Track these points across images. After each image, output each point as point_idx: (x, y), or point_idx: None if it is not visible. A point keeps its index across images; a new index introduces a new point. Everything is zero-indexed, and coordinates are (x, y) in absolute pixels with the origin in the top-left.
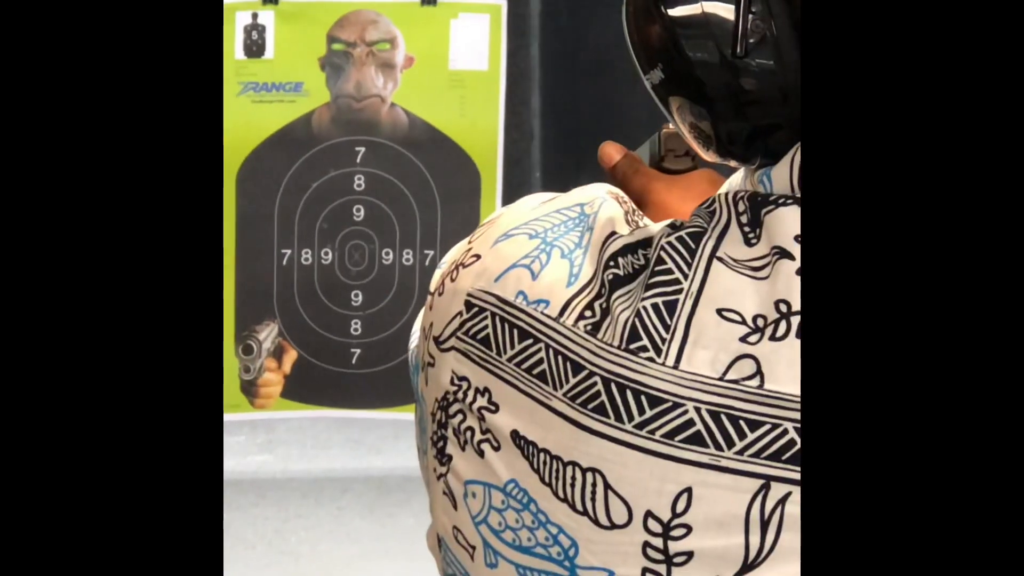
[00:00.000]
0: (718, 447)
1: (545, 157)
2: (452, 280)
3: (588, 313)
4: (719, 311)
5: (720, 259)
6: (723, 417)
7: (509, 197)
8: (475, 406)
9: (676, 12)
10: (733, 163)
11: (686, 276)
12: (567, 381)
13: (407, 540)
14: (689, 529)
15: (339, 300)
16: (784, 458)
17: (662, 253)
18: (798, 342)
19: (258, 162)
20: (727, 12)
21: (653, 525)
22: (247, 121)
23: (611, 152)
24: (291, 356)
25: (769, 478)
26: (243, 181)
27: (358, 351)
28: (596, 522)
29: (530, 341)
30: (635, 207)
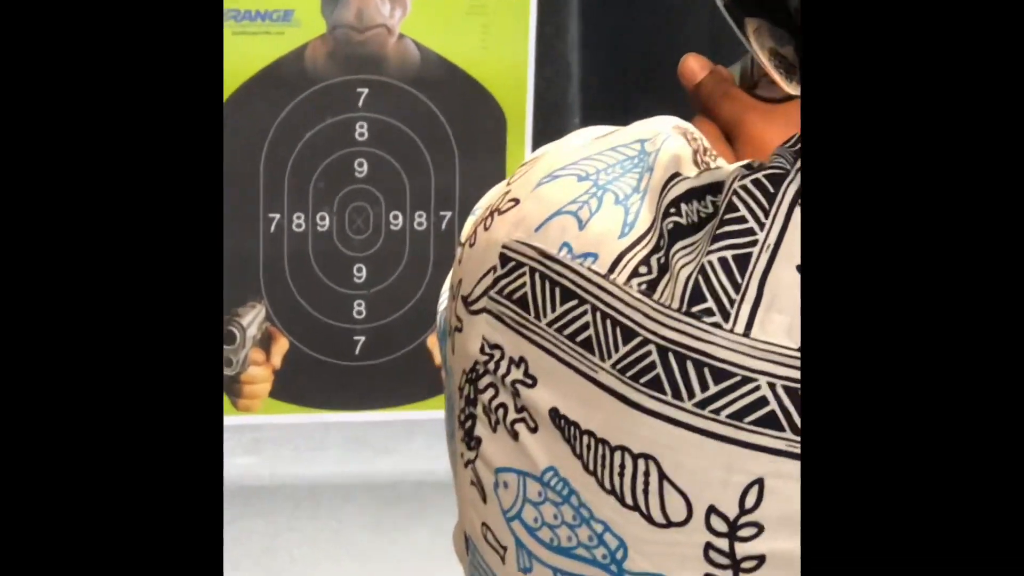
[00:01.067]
0: (796, 431)
1: (586, 98)
2: (486, 229)
3: (643, 269)
4: (800, 268)
5: None
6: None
7: (541, 146)
8: (509, 379)
9: None
10: None
11: (762, 226)
12: (616, 350)
13: (421, 558)
14: (760, 528)
15: (339, 276)
16: None
17: (734, 198)
18: None
19: (239, 107)
20: None
21: (717, 523)
22: (227, 58)
23: (695, 67)
24: (281, 346)
25: None
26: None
27: (362, 339)
28: (649, 518)
29: (574, 302)
30: (707, 146)
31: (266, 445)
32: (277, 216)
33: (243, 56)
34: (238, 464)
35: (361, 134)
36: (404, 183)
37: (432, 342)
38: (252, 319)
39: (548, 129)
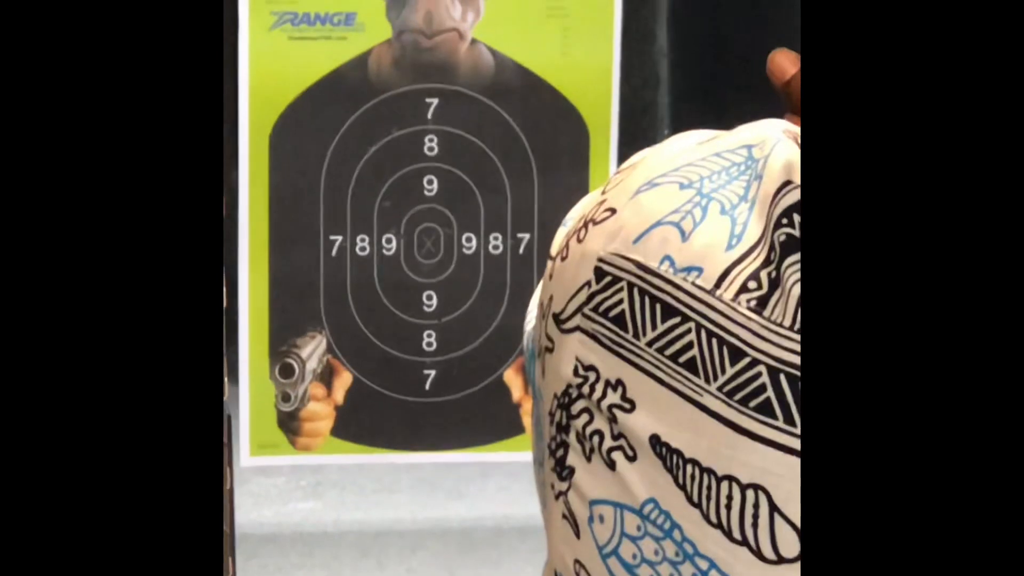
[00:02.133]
0: None
1: (676, 107)
2: (579, 241)
3: (753, 284)
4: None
5: None
6: None
7: (627, 159)
8: (605, 403)
9: None
10: None
11: None
12: (724, 372)
13: None
14: None
15: (407, 304)
16: None
17: None
18: None
19: (297, 120)
20: None
21: None
22: (283, 65)
23: (785, 63)
24: (344, 380)
25: None
26: (278, 145)
27: (433, 373)
28: (758, 554)
29: (677, 320)
30: None
31: (328, 488)
32: (339, 238)
33: (301, 63)
34: (300, 509)
35: (431, 148)
36: (478, 202)
37: (510, 376)
38: (312, 351)
39: (635, 142)
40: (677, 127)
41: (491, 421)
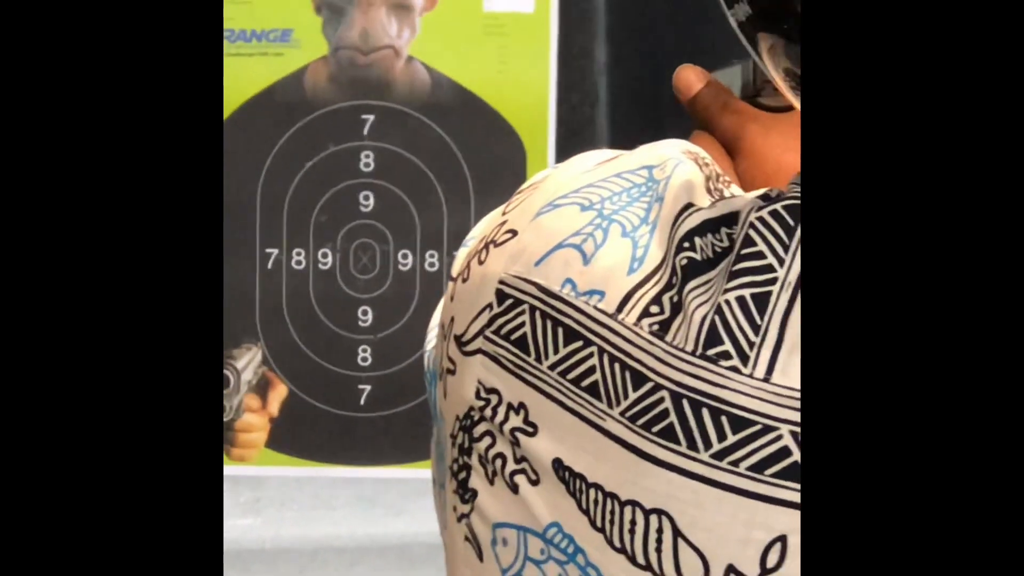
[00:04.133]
0: None
1: (615, 126)
2: (480, 263)
3: (655, 309)
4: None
5: None
6: None
7: (539, 172)
8: (507, 427)
9: None
10: None
11: (781, 262)
12: (626, 396)
13: None
14: None
15: (343, 318)
16: None
17: (751, 231)
18: None
19: (233, 134)
20: None
21: None
22: None
23: (691, 78)
24: (279, 392)
25: None
26: None
27: (368, 388)
28: None
29: (579, 344)
30: (720, 172)
31: (267, 505)
32: (275, 252)
33: (238, 79)
34: (237, 526)
35: (367, 164)
36: (414, 219)
37: None
38: (248, 362)
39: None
40: (616, 145)
41: (427, 437)
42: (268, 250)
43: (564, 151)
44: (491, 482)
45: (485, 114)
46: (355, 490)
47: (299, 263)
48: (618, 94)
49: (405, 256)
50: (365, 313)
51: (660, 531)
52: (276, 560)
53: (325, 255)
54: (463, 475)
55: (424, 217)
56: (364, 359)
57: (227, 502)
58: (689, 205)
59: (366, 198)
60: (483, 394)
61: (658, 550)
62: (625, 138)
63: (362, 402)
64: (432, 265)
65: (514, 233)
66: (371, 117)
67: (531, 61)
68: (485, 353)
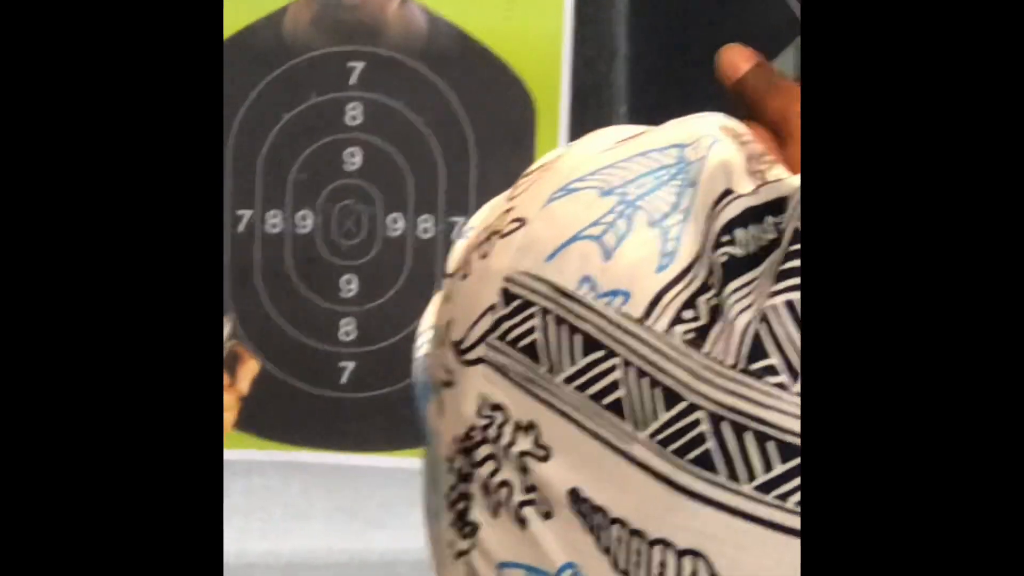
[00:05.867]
0: None
1: (634, 83)
2: (483, 256)
3: (689, 314)
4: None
5: None
6: None
7: (552, 151)
8: (515, 450)
9: None
10: None
11: None
12: (656, 417)
13: None
14: None
15: (323, 288)
16: None
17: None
18: None
19: None
20: None
21: None
22: None
23: (737, 59)
24: (250, 369)
25: None
26: None
27: (351, 365)
28: None
29: (600, 354)
30: (762, 150)
31: (232, 515)
32: (247, 213)
33: None
34: None
35: (353, 118)
36: (406, 180)
37: None
38: None
39: (587, 120)
40: (635, 105)
41: (415, 423)
42: (239, 212)
43: (578, 110)
44: (495, 515)
45: (490, 65)
46: (332, 499)
47: (275, 226)
48: (639, 47)
49: (395, 221)
50: (349, 282)
51: (695, 575)
52: None
53: (304, 218)
54: (462, 506)
55: (418, 178)
56: (347, 333)
57: None
58: (728, 191)
59: (352, 155)
60: (486, 411)
61: None
62: (645, 97)
63: (344, 380)
64: (426, 231)
65: (522, 222)
66: (359, 65)
67: (542, 6)
68: (488, 363)
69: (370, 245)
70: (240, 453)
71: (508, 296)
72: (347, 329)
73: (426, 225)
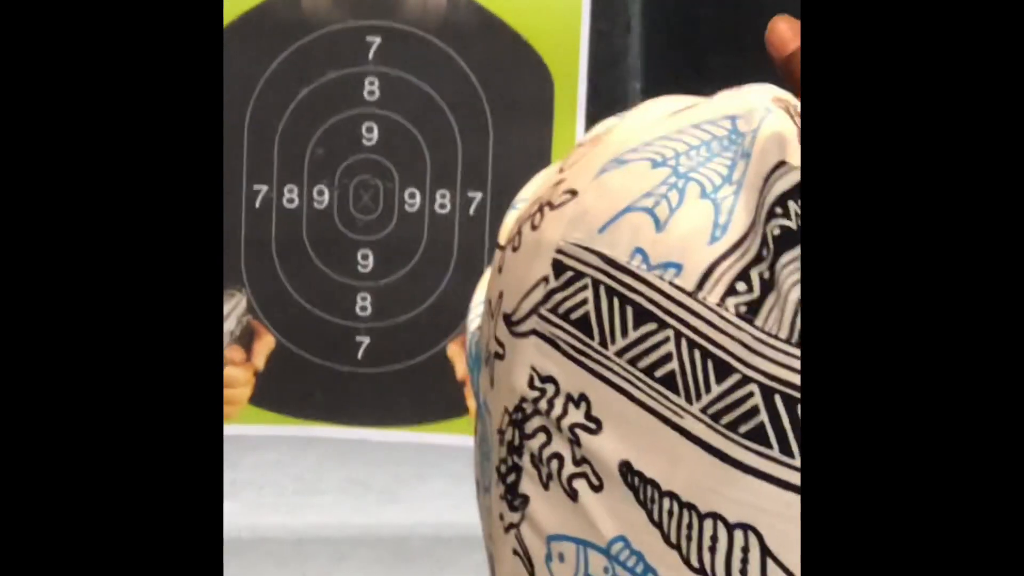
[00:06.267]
0: None
1: (649, 58)
2: (534, 228)
3: (742, 286)
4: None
5: None
6: None
7: (597, 115)
8: (566, 422)
9: None
10: None
11: None
12: (708, 390)
13: None
14: None
15: (339, 263)
16: None
17: None
18: None
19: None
20: None
21: None
22: None
23: (786, 32)
24: (266, 343)
25: None
26: None
27: (367, 340)
28: None
29: (652, 326)
30: None
31: (243, 488)
32: (264, 188)
33: None
34: None
35: (371, 92)
36: (424, 155)
37: (454, 351)
38: (230, 310)
39: (603, 94)
40: (650, 81)
41: (431, 398)
42: (256, 186)
43: (594, 84)
44: (545, 487)
45: (508, 39)
46: (345, 472)
47: (291, 201)
48: (653, 22)
49: (412, 195)
50: (365, 257)
51: (746, 549)
52: (252, 552)
53: (321, 192)
54: (512, 478)
55: (435, 153)
56: (363, 308)
57: None
58: (782, 163)
59: (369, 130)
60: (537, 383)
61: (743, 571)
62: (660, 73)
63: (360, 356)
64: (443, 206)
65: (574, 194)
66: (377, 39)
67: None
68: (540, 334)
69: (387, 220)
70: (255, 428)
71: (559, 268)
72: (363, 304)
73: (443, 200)
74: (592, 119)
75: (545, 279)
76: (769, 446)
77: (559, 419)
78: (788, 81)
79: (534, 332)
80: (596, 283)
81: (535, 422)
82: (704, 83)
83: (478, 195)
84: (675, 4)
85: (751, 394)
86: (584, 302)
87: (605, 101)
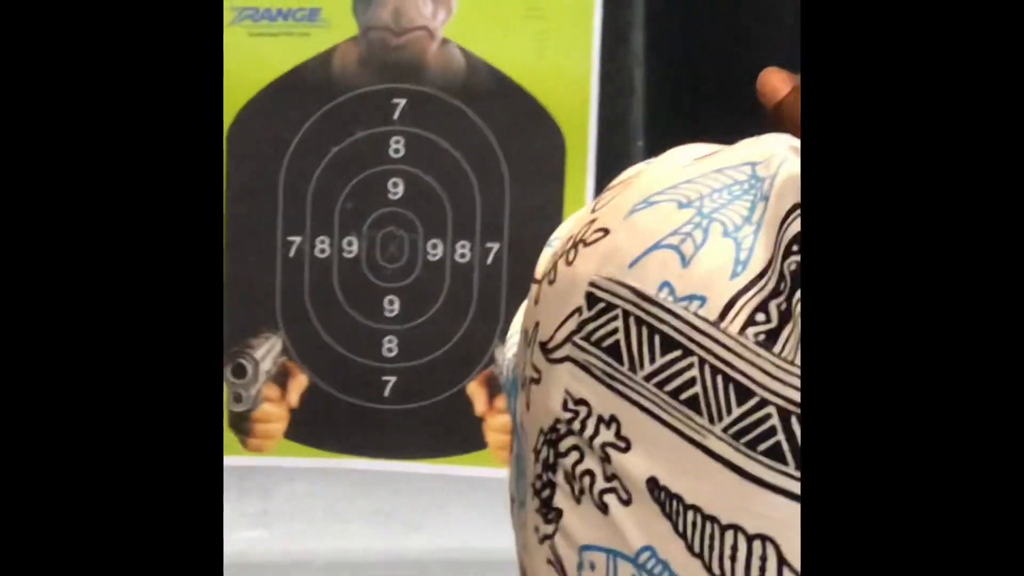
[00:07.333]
0: None
1: (650, 118)
2: (568, 263)
3: (761, 317)
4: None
5: None
6: None
7: (604, 171)
8: (597, 441)
9: None
10: None
11: None
12: (729, 412)
13: None
14: None
15: (367, 308)
16: None
17: None
18: None
19: (257, 117)
20: None
21: None
22: (243, 61)
23: (776, 83)
24: (299, 383)
25: None
26: (236, 143)
27: (393, 379)
28: None
29: (677, 353)
30: None
31: (276, 517)
32: (298, 239)
33: (262, 61)
34: (244, 538)
35: (396, 150)
36: (445, 208)
37: (473, 389)
38: (267, 352)
39: (610, 154)
40: (651, 138)
41: (452, 433)
42: (291, 238)
43: (603, 143)
44: (578, 501)
45: (523, 101)
46: (370, 503)
47: (323, 251)
48: (655, 84)
49: (435, 246)
50: (391, 303)
51: (764, 559)
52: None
53: (350, 243)
54: (547, 493)
55: (455, 206)
56: (389, 350)
57: (233, 513)
58: (797, 205)
59: (395, 185)
60: (571, 405)
61: None
62: (660, 130)
63: (386, 394)
64: (463, 256)
65: (606, 232)
66: (402, 102)
67: (572, 47)
68: (573, 361)
69: (411, 268)
70: (288, 460)
71: (592, 300)
72: (389, 346)
73: (463, 250)
74: (600, 173)
75: (579, 310)
76: (785, 463)
77: (591, 438)
78: (780, 126)
79: (568, 358)
80: (626, 314)
81: (569, 441)
82: (699, 140)
83: (495, 245)
84: (674, 70)
85: (769, 415)
86: (615, 331)
87: (613, 159)
